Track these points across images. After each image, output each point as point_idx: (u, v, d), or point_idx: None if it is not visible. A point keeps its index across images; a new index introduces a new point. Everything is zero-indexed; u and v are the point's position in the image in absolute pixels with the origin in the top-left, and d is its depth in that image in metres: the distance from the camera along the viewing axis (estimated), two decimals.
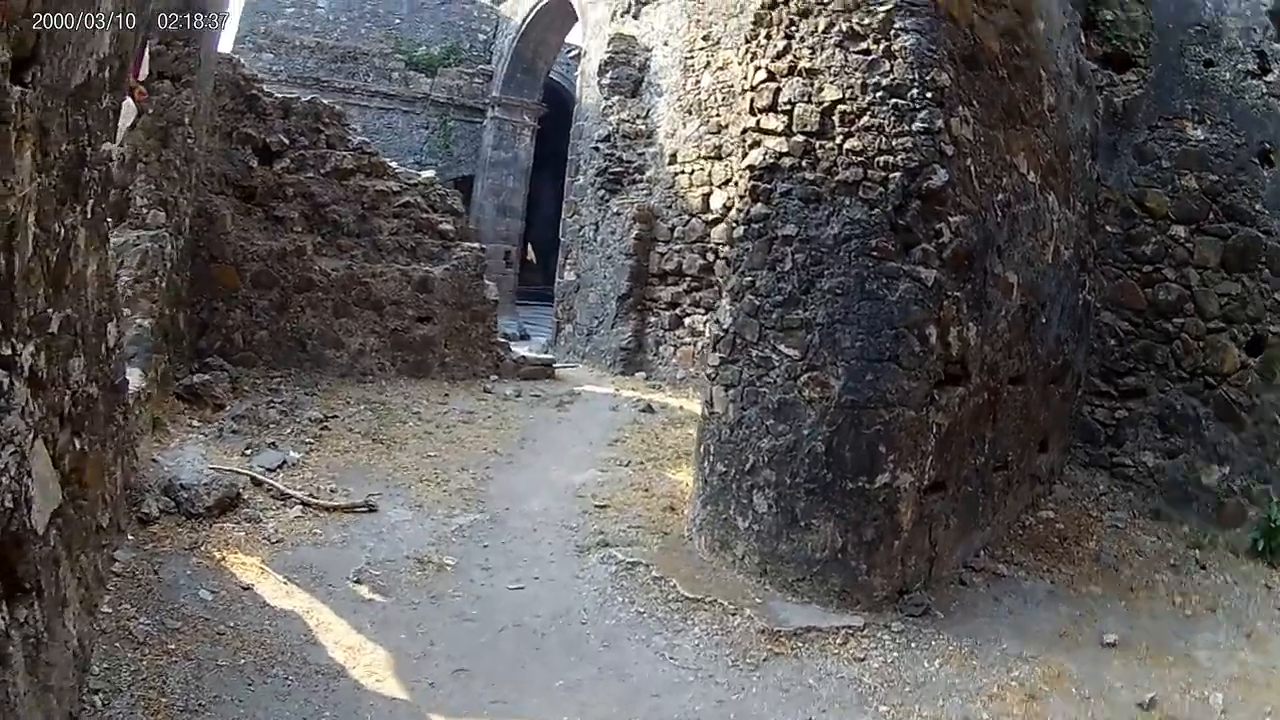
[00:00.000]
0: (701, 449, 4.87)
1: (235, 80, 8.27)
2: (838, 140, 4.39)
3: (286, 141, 8.96)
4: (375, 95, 18.53)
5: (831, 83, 4.47)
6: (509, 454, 6.62)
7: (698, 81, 10.72)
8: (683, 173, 10.65)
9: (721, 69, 10.35)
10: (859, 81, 4.47)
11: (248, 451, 5.59)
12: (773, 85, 4.55)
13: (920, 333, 4.23)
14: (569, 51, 23.19)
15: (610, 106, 11.80)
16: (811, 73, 4.49)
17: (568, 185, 13.47)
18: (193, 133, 6.07)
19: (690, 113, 10.74)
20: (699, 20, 10.85)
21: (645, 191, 11.13)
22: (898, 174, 4.39)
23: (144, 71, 5.53)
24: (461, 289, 9.57)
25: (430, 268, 9.58)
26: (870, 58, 4.36)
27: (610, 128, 11.60)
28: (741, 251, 4.72)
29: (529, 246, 27.71)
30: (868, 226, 4.28)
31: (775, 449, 4.37)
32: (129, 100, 5.30)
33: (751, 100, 4.67)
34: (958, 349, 4.44)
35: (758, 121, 4.61)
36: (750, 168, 4.62)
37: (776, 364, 4.40)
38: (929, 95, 4.53)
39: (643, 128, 11.45)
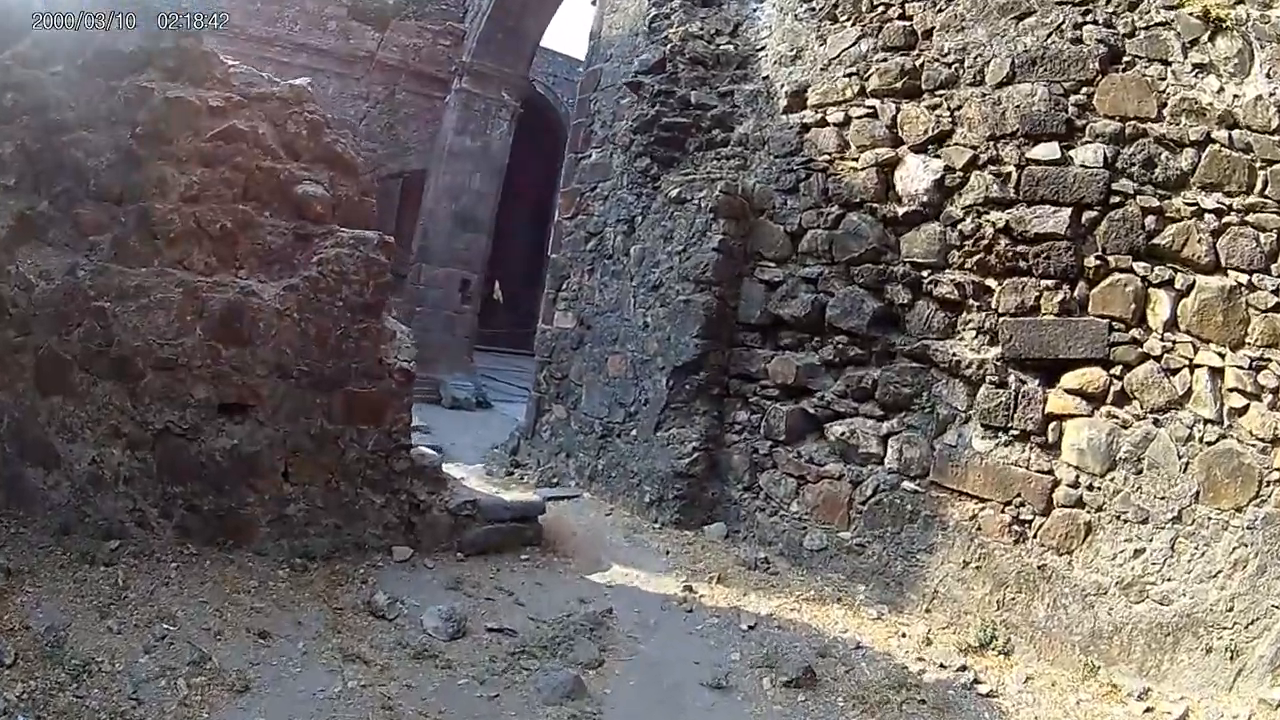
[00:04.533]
0: None
1: None
2: None
3: None
4: (301, 49, 12.93)
5: None
6: None
7: None
8: (822, 124, 5.24)
9: None
10: None
11: None
12: None
13: None
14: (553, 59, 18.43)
15: (665, 15, 6.40)
16: None
17: (566, 168, 7.96)
18: None
19: (835, 19, 5.35)
20: None
21: (735, 162, 5.67)
22: None
23: None
24: (320, 337, 4.01)
25: (258, 281, 4.04)
26: None
27: (666, 48, 6.17)
28: None
29: (496, 282, 22.13)
30: None
31: None
32: None
33: None
34: None
35: None
36: None
37: None
38: None
39: (730, 49, 6.03)
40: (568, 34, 31.99)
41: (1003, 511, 4.15)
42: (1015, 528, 4.09)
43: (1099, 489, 3.89)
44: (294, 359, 4.02)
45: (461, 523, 4.39)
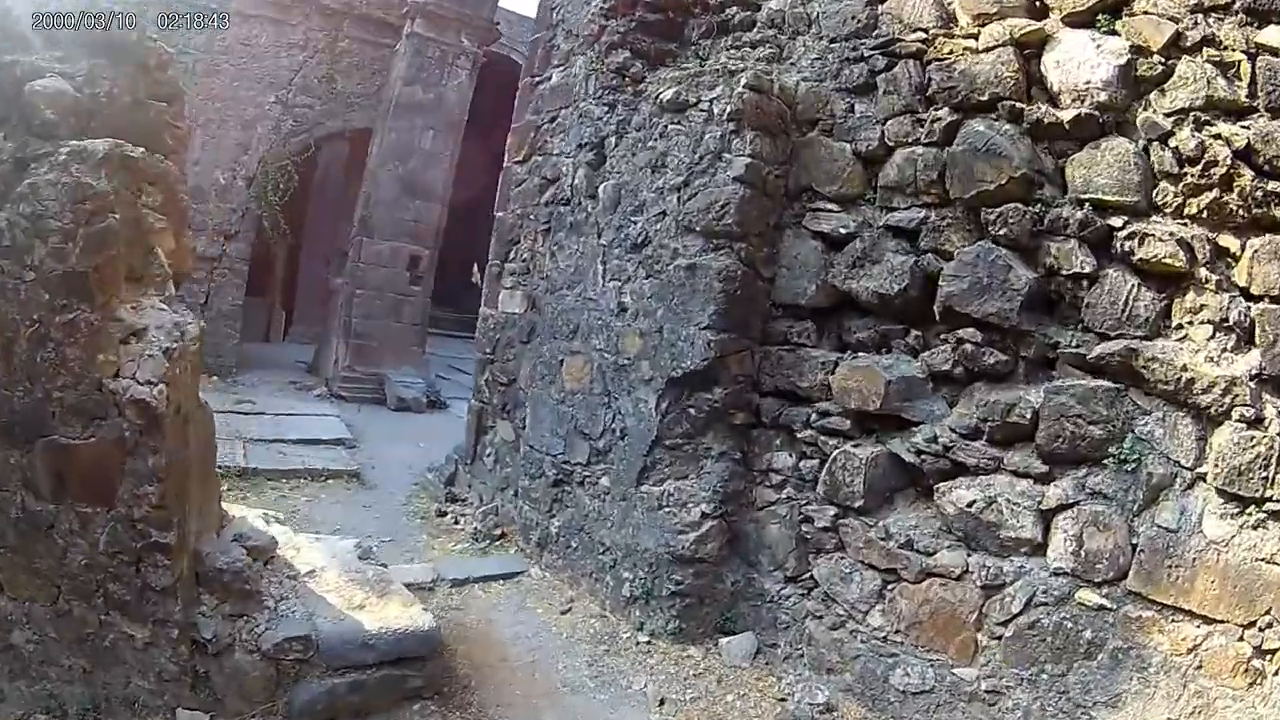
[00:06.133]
0: None
1: None
2: None
3: None
4: None
5: None
6: None
7: None
8: None
9: None
10: None
11: None
12: None
13: None
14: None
15: None
16: None
17: (519, 97, 5.86)
18: None
19: None
20: None
21: (765, 51, 3.63)
22: None
23: None
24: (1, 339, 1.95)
25: None
26: None
27: None
28: None
29: (475, 264, 19.81)
30: None
31: None
32: None
33: None
34: None
35: None
36: None
37: None
38: None
39: None
40: None
41: (1240, 639, 2.24)
42: (1254, 663, 2.17)
43: None
44: None
45: (288, 671, 2.37)
